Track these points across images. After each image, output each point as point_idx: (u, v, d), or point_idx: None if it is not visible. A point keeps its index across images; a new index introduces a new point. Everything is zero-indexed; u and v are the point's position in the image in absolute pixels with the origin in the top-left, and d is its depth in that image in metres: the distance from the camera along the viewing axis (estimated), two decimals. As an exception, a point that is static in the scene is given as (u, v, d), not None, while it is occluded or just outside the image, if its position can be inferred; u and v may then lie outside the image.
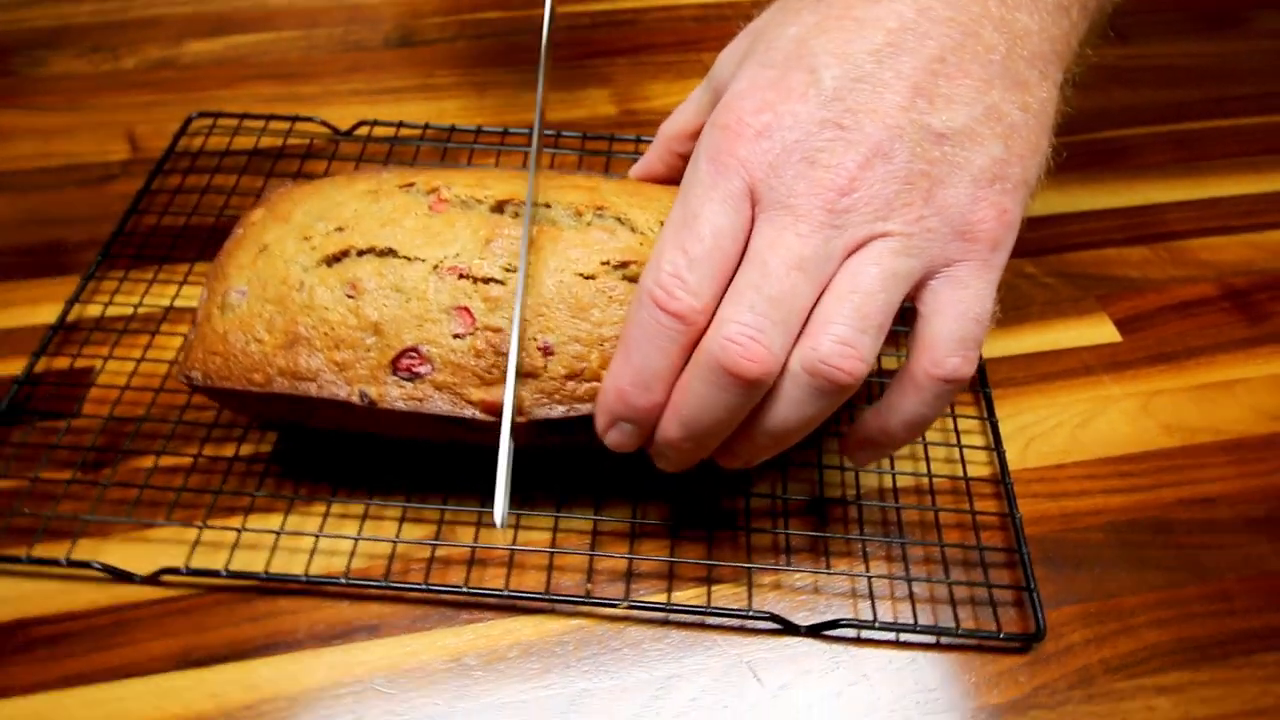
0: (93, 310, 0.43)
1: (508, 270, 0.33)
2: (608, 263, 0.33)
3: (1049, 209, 0.50)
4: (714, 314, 0.28)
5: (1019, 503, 0.37)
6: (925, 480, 0.38)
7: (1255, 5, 0.64)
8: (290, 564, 0.35)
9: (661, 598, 0.35)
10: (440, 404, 0.32)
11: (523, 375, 0.32)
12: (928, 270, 0.29)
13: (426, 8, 0.62)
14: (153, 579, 0.35)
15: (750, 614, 0.34)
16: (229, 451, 0.38)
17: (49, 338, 0.42)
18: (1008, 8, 0.30)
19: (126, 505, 0.37)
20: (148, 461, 0.38)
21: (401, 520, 0.36)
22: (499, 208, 0.34)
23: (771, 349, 0.27)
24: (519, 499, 0.36)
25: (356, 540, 0.36)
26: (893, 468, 0.38)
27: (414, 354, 0.33)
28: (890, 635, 0.34)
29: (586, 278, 0.33)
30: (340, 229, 0.34)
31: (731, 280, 0.29)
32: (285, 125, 0.51)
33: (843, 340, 0.27)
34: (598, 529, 0.36)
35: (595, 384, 0.32)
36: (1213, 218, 0.50)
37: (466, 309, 0.32)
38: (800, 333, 0.28)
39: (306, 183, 0.38)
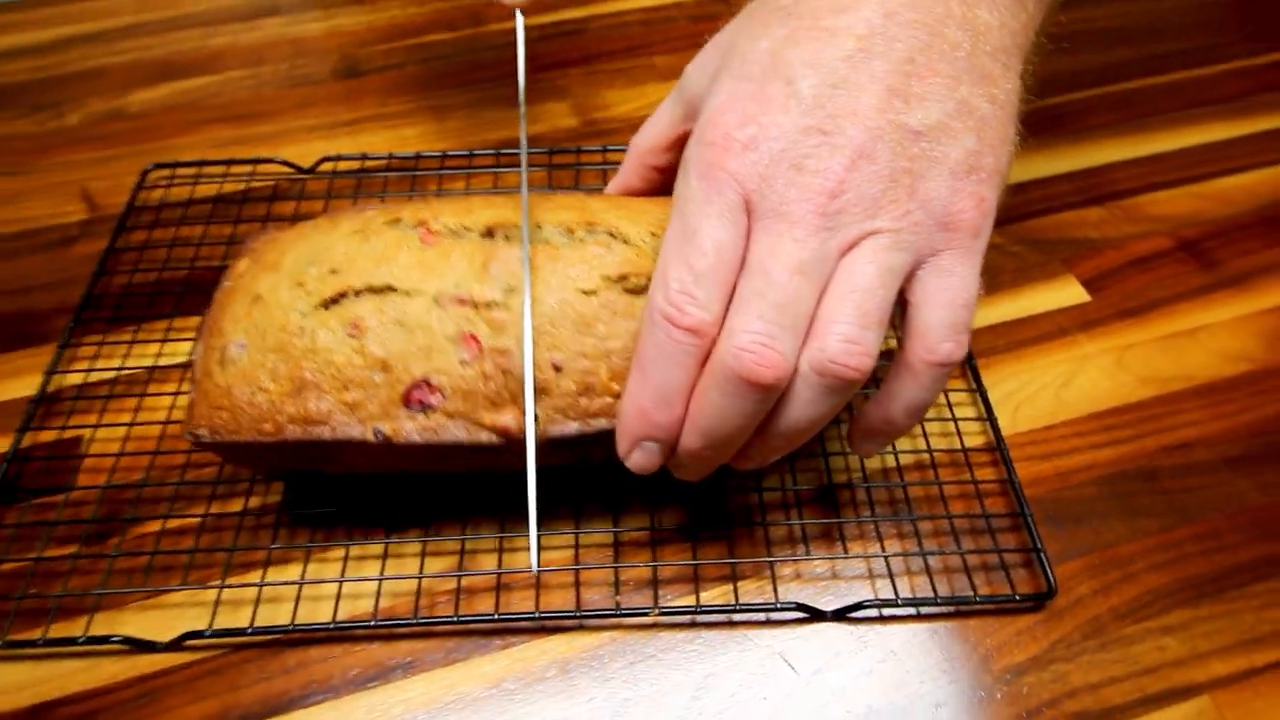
0: (73, 378, 0.43)
1: (508, 292, 0.33)
2: (607, 277, 0.33)
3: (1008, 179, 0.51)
4: (723, 325, 0.29)
5: (1016, 467, 0.38)
6: (926, 456, 0.39)
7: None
8: (316, 613, 0.35)
9: (689, 600, 0.35)
10: (455, 432, 0.33)
11: (535, 394, 0.33)
12: (916, 262, 0.30)
13: (370, 36, 0.62)
14: (176, 645, 0.34)
15: (778, 606, 0.34)
16: (237, 507, 0.38)
17: (32, 411, 0.41)
18: (968, 6, 0.31)
19: (139, 574, 0.36)
20: (154, 526, 0.38)
21: (423, 555, 0.37)
22: (489, 233, 0.35)
23: (784, 354, 0.28)
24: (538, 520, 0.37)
25: (380, 581, 0.36)
26: (894, 447, 0.39)
27: (424, 386, 0.33)
28: (911, 610, 0.35)
29: (588, 293, 0.33)
30: (334, 271, 0.34)
31: (735, 290, 0.29)
32: (247, 169, 0.51)
33: (848, 339, 0.28)
34: (619, 540, 0.37)
35: (606, 399, 0.32)
36: (1158, 173, 0.52)
37: (472, 335, 0.33)
38: (806, 335, 0.29)
39: (288, 229, 0.38)
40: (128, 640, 0.34)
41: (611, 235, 0.34)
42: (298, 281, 0.35)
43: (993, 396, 0.41)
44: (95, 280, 0.46)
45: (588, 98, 0.57)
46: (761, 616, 0.35)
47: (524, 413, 0.32)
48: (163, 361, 0.43)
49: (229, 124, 0.55)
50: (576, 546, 0.37)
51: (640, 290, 0.33)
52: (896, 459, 0.39)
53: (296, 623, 0.34)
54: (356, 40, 0.62)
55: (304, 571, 0.36)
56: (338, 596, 0.35)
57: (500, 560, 0.37)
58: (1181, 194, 0.51)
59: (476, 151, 0.51)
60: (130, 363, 0.43)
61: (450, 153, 0.51)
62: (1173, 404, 0.41)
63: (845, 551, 0.37)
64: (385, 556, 0.37)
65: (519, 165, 0.50)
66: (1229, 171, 0.52)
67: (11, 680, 0.34)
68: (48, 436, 0.40)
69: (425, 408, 0.33)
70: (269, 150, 0.53)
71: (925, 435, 0.40)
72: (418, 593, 0.36)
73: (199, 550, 0.37)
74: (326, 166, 0.51)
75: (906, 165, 0.29)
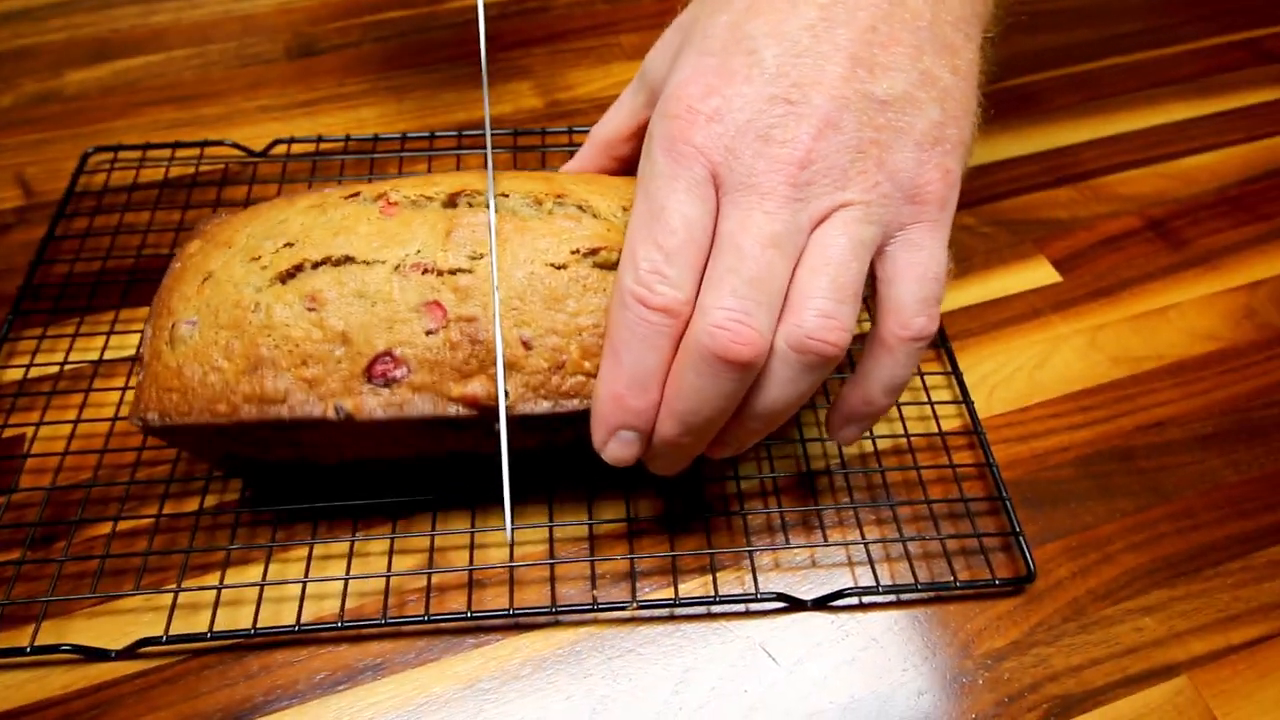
0: (12, 374, 0.40)
1: (474, 259, 0.32)
2: (577, 251, 0.32)
3: (976, 160, 0.51)
4: (695, 304, 0.28)
5: (993, 450, 0.38)
6: (903, 440, 0.39)
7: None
8: (279, 615, 0.34)
9: (667, 593, 0.34)
10: (421, 406, 0.31)
11: (505, 369, 0.31)
12: (885, 235, 0.29)
13: (323, 13, 0.60)
14: (130, 653, 0.33)
15: (757, 596, 0.34)
16: (192, 506, 0.36)
17: (-32, 410, 0.38)
18: None
19: (88, 578, 0.34)
20: (104, 529, 0.36)
21: (390, 552, 0.35)
22: (451, 201, 0.33)
23: (760, 330, 0.27)
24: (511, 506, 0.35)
25: (346, 580, 0.34)
26: (872, 432, 0.39)
27: (388, 358, 0.31)
28: (892, 597, 0.35)
29: (558, 268, 0.32)
30: (290, 244, 0.33)
31: (706, 267, 0.28)
32: (194, 152, 0.48)
33: (824, 313, 0.28)
34: (594, 532, 0.36)
35: (579, 377, 0.31)
36: (1123, 153, 0.52)
37: (436, 303, 0.31)
38: (781, 309, 0.28)
39: (240, 210, 0.36)
40: (78, 649, 0.32)
41: (581, 209, 0.33)
42: (252, 256, 0.33)
43: (968, 379, 0.41)
44: (34, 270, 0.43)
45: (552, 77, 0.55)
46: (741, 607, 0.34)
47: (493, 380, 0.31)
48: (109, 355, 0.41)
49: (174, 106, 0.53)
50: (551, 540, 0.36)
51: (611, 265, 0.32)
52: (874, 444, 0.39)
53: (259, 626, 0.33)
54: (309, 17, 0.59)
55: (265, 572, 0.34)
56: (302, 597, 0.34)
57: (472, 556, 0.35)
58: (1147, 174, 0.51)
59: (438, 133, 0.49)
60: (75, 357, 0.41)
61: (410, 134, 0.49)
62: (1145, 383, 0.42)
63: (824, 539, 0.36)
64: (351, 554, 0.35)
65: (483, 147, 0.49)
66: (1191, 151, 0.52)
67: (-48, 695, 0.32)
68: (-14, 436, 0.38)
69: (389, 381, 0.31)
70: (218, 133, 0.50)
71: (903, 419, 0.39)
72: (386, 591, 0.34)
73: (153, 552, 0.35)
74: (279, 149, 0.49)
75: (873, 135, 0.28)
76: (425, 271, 0.31)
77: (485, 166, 0.33)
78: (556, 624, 0.34)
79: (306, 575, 0.34)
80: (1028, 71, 0.57)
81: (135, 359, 0.38)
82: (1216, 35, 0.59)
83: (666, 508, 0.37)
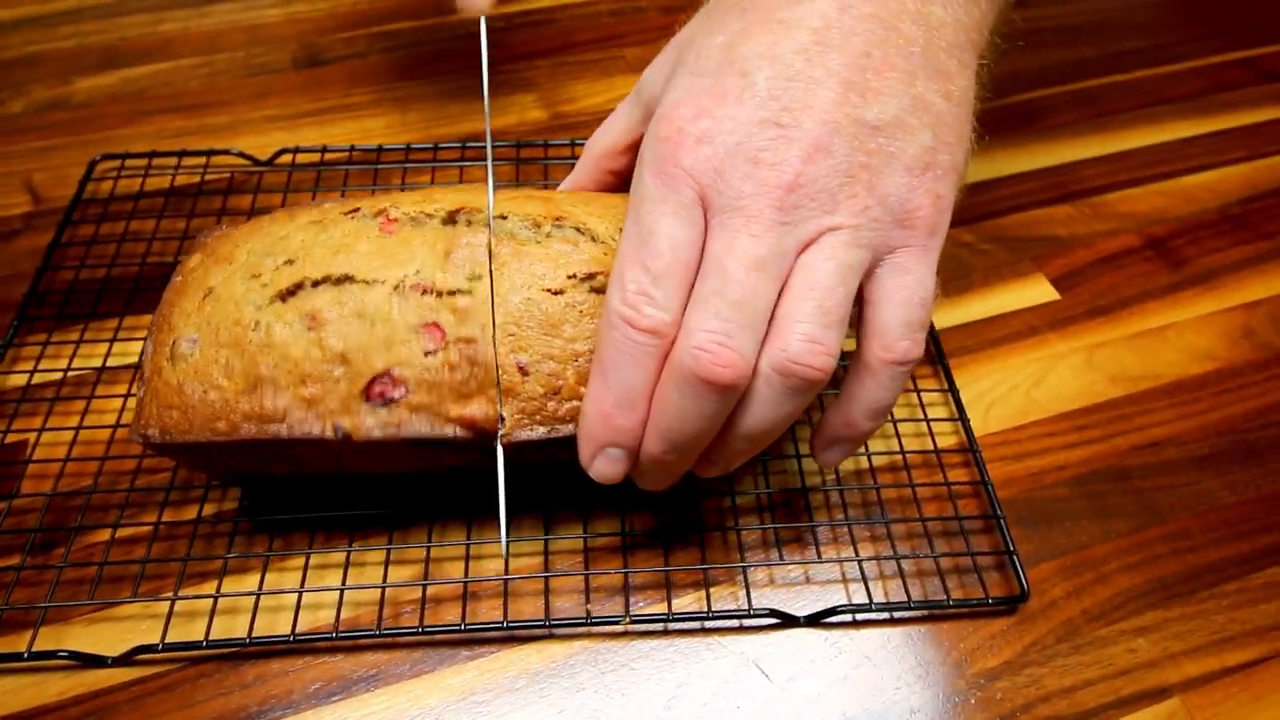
0: (16, 380, 0.41)
1: (472, 280, 0.32)
2: (574, 276, 0.32)
3: (977, 176, 0.51)
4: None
5: (988, 468, 0.38)
6: (899, 457, 0.39)
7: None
8: (275, 625, 0.34)
9: (661, 608, 0.35)
10: (419, 426, 0.31)
11: (501, 395, 0.32)
12: (874, 259, 0.29)
13: (330, 23, 0.60)
14: (126, 660, 0.33)
15: (751, 612, 0.34)
16: (191, 514, 0.37)
17: (-29, 415, 0.39)
18: (922, 1, 0.30)
19: (87, 585, 0.35)
20: (103, 535, 0.36)
21: (386, 563, 0.35)
22: (451, 219, 0.33)
23: (742, 353, 0.28)
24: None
25: (342, 590, 0.35)
26: (867, 449, 0.39)
27: (386, 378, 0.32)
28: (885, 614, 0.35)
29: (554, 293, 0.32)
30: (290, 262, 0.33)
31: (693, 288, 0.29)
32: (200, 161, 0.49)
33: (810, 338, 0.28)
34: (589, 546, 0.36)
35: (574, 403, 0.32)
36: (1124, 170, 0.52)
37: (435, 324, 0.32)
38: (766, 332, 0.28)
39: (241, 223, 0.37)
40: (75, 655, 0.33)
41: (579, 231, 0.33)
42: (252, 274, 0.33)
43: (965, 396, 0.41)
44: (39, 276, 0.44)
45: (556, 90, 0.56)
46: (734, 623, 0.34)
47: (492, 402, 0.31)
48: (112, 362, 0.41)
49: (181, 114, 0.53)
50: (546, 553, 0.36)
51: None
52: (869, 460, 0.39)
53: (254, 635, 0.33)
54: (316, 28, 0.60)
55: (262, 581, 0.35)
56: (298, 607, 0.34)
57: (467, 568, 0.35)
58: (1147, 191, 0.51)
59: (441, 145, 0.50)
60: (78, 363, 0.41)
61: (414, 145, 0.50)
62: (1142, 403, 0.42)
63: (818, 555, 0.36)
64: (347, 565, 0.35)
65: (485, 160, 0.49)
66: (1192, 170, 0.52)
67: (-51, 700, 0.32)
68: (-12, 441, 0.39)
69: (387, 402, 0.31)
70: (224, 142, 0.51)
71: (898, 436, 0.39)
72: (381, 602, 0.34)
73: (151, 560, 0.35)
74: (285, 159, 0.49)
75: (864, 160, 0.29)
76: (424, 292, 0.32)
77: (487, 174, 0.33)
78: (551, 637, 0.34)
79: (303, 585, 0.35)
80: (1029, 88, 0.57)
81: (137, 368, 0.38)
82: (1218, 54, 0.60)
83: (661, 522, 0.37)
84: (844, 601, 0.35)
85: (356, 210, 0.34)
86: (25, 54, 0.57)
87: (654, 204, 0.29)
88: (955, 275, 0.46)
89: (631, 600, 0.35)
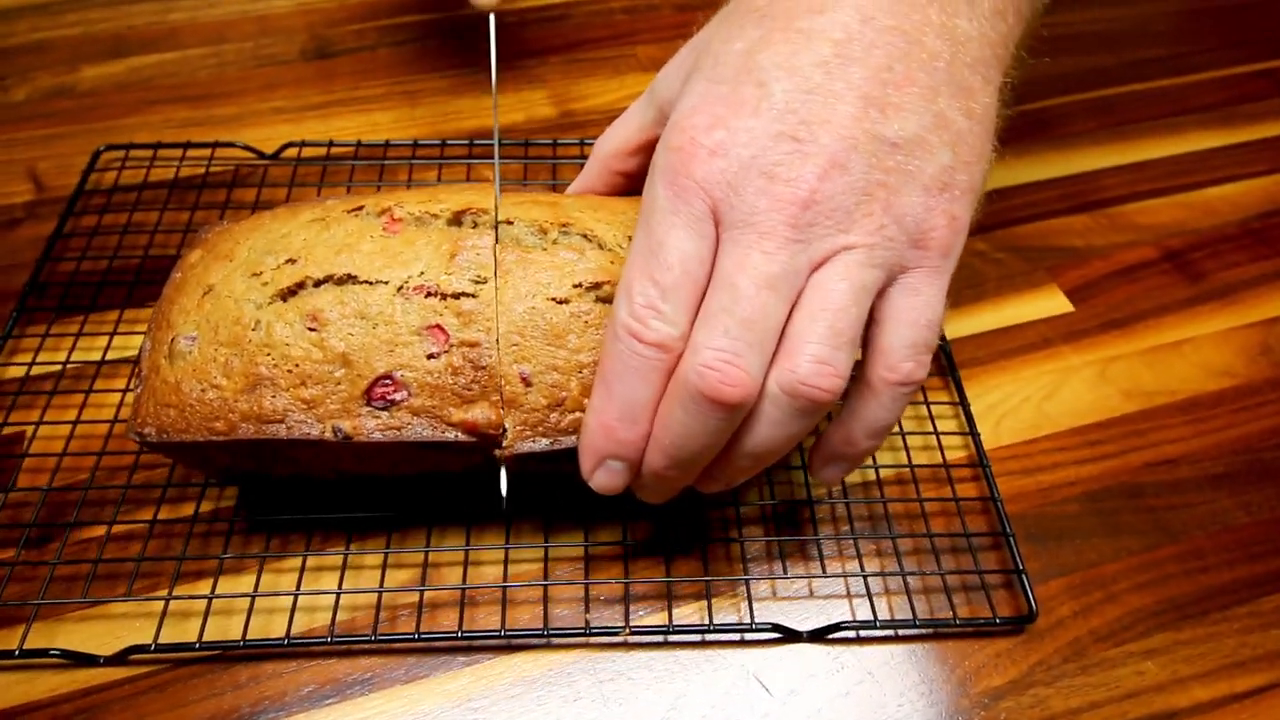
0: (15, 370, 0.40)
1: (477, 283, 0.31)
2: (580, 285, 0.32)
3: (992, 183, 0.50)
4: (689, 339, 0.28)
5: (998, 482, 0.37)
6: (907, 471, 0.38)
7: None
8: (269, 627, 0.33)
9: (661, 618, 0.34)
10: (420, 430, 0.31)
11: (504, 404, 0.31)
12: (889, 279, 0.29)
13: (340, 15, 0.59)
14: (119, 659, 0.32)
15: (752, 626, 0.33)
16: (187, 511, 0.36)
17: (-31, 406, 0.38)
18: (947, 14, 0.30)
19: (80, 582, 0.34)
20: (98, 532, 0.35)
21: (384, 567, 0.35)
22: (456, 220, 0.33)
23: (749, 372, 0.27)
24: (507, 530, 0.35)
25: (338, 594, 0.34)
26: (875, 461, 0.38)
27: (388, 381, 0.31)
28: (889, 631, 0.34)
29: (560, 302, 0.31)
30: (292, 260, 0.32)
31: (702, 303, 0.28)
32: (205, 152, 0.48)
33: (819, 359, 0.27)
34: (589, 553, 0.36)
35: (577, 414, 0.31)
36: (1143, 181, 0.51)
37: (439, 326, 0.31)
38: (775, 350, 0.28)
39: (243, 219, 0.36)
40: (67, 653, 0.32)
41: (586, 238, 0.33)
42: (253, 272, 0.33)
43: (975, 408, 0.40)
44: (40, 266, 0.43)
45: (567, 87, 0.55)
46: (736, 636, 0.34)
47: (494, 407, 0.31)
48: (112, 355, 0.41)
49: (187, 105, 0.53)
50: (546, 560, 0.35)
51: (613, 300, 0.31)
52: (877, 473, 0.38)
53: (248, 637, 0.33)
54: (326, 19, 0.59)
55: (258, 582, 0.34)
56: (293, 609, 0.34)
57: (465, 574, 0.35)
58: (1166, 203, 0.50)
59: (449, 141, 0.49)
60: (77, 356, 0.41)
61: (421, 141, 0.49)
62: (1156, 419, 0.41)
63: (823, 570, 0.35)
64: (344, 567, 0.35)
65: (492, 158, 0.48)
66: (1213, 182, 0.51)
67: (-61, 696, 0.32)
68: (-15, 433, 0.38)
69: (389, 404, 0.31)
70: (230, 134, 0.50)
71: (907, 449, 0.39)
72: (378, 606, 0.34)
73: (146, 558, 0.35)
74: (290, 153, 0.49)
75: (881, 178, 0.28)
76: (429, 294, 0.31)
77: (494, 178, 0.33)
78: (549, 646, 0.34)
79: (299, 587, 0.34)
80: (1047, 95, 0.56)
81: (135, 364, 0.38)
82: (1240, 64, 0.59)
83: (663, 532, 0.36)
84: (848, 617, 0.34)
85: (360, 208, 0.34)
86: (31, 41, 0.56)
87: (665, 215, 0.28)
88: (968, 284, 0.46)
89: (631, 610, 0.34)
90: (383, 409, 0.31)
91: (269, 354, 0.31)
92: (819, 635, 0.34)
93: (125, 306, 0.42)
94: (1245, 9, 0.63)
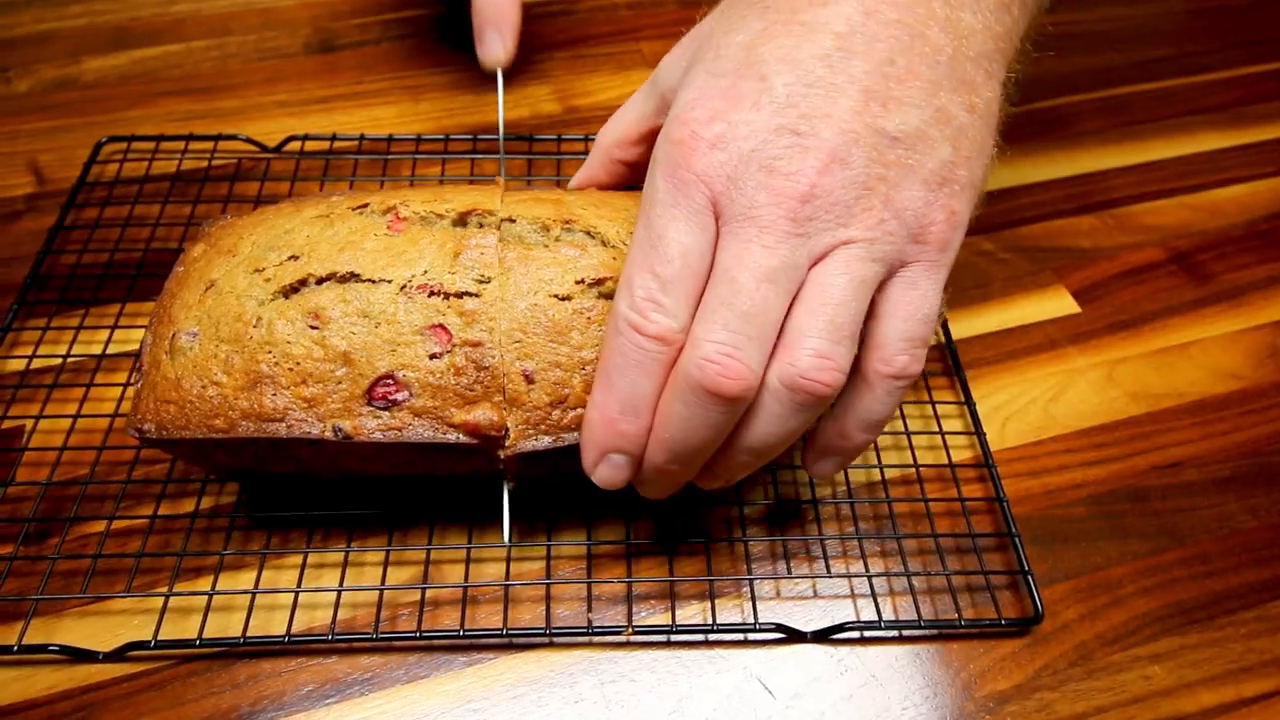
0: (14, 364, 0.40)
1: (481, 282, 0.31)
2: (582, 281, 0.31)
3: (999, 183, 0.50)
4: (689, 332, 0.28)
5: (1004, 484, 0.37)
6: (912, 471, 0.38)
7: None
8: (270, 624, 0.33)
9: (664, 618, 0.34)
10: (421, 431, 0.31)
11: (506, 403, 0.31)
12: (888, 273, 0.29)
13: (344, 8, 0.59)
14: (117, 655, 0.32)
15: (756, 627, 0.33)
16: (188, 507, 0.36)
17: (-32, 399, 0.38)
18: (951, 7, 0.29)
19: (80, 577, 0.34)
20: (98, 527, 0.35)
21: (385, 564, 0.35)
22: (461, 220, 0.33)
23: (749, 365, 0.27)
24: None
25: (339, 591, 0.34)
26: (880, 461, 0.38)
27: (389, 381, 0.31)
28: (894, 632, 0.34)
29: (562, 299, 0.31)
30: (295, 257, 0.32)
31: (703, 295, 0.28)
32: (208, 145, 0.48)
33: (819, 353, 0.27)
34: (592, 553, 0.35)
35: (580, 411, 0.31)
36: (1151, 181, 0.51)
37: (441, 326, 0.31)
38: (775, 343, 0.28)
39: (247, 213, 0.36)
40: (66, 649, 0.32)
41: (589, 235, 0.32)
42: (256, 268, 0.32)
43: (981, 409, 0.40)
44: (41, 259, 0.43)
45: (571, 83, 0.55)
46: (739, 636, 0.34)
47: (497, 408, 0.30)
48: (113, 349, 0.40)
49: (190, 97, 0.52)
50: (548, 559, 0.35)
51: None
52: (882, 473, 0.38)
53: (248, 635, 0.32)
54: (330, 12, 0.59)
55: (258, 579, 0.34)
56: (293, 607, 0.33)
57: (467, 572, 0.35)
58: (1174, 204, 0.50)
59: (453, 136, 0.49)
60: (78, 349, 0.40)
61: (425, 136, 0.49)
62: (1163, 421, 0.41)
63: (827, 570, 0.35)
64: (345, 565, 0.35)
65: (497, 152, 0.48)
66: (1221, 183, 0.51)
67: (-63, 691, 0.32)
68: (-15, 427, 0.38)
69: (390, 404, 0.31)
70: (233, 126, 0.50)
71: (912, 449, 0.38)
72: (379, 605, 0.34)
73: (145, 554, 0.34)
74: (293, 146, 0.48)
75: (881, 172, 0.28)
76: (432, 293, 0.31)
77: (498, 175, 0.32)
78: (551, 645, 0.33)
79: (299, 584, 0.34)
80: (1055, 94, 0.56)
81: (136, 358, 0.38)
82: (1249, 65, 0.58)
83: (666, 531, 0.36)
84: (852, 618, 0.34)
85: (365, 206, 0.34)
86: (35, 32, 0.56)
87: (665, 208, 0.28)
88: (974, 284, 0.45)
89: (634, 610, 0.34)
90: (384, 409, 0.31)
91: (270, 351, 0.31)
92: (823, 636, 0.33)
93: (126, 300, 0.42)
94: (1255, 9, 0.62)
